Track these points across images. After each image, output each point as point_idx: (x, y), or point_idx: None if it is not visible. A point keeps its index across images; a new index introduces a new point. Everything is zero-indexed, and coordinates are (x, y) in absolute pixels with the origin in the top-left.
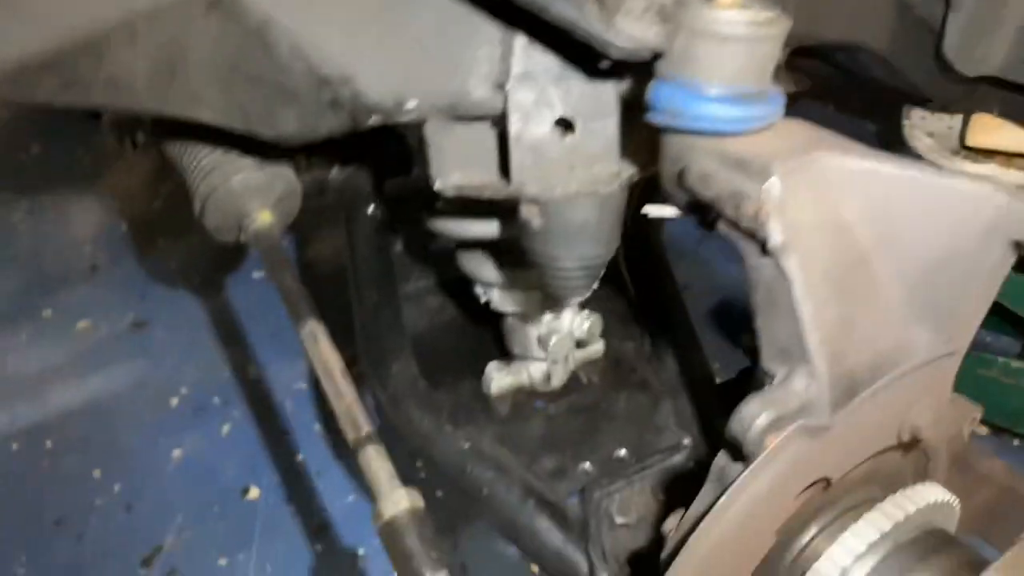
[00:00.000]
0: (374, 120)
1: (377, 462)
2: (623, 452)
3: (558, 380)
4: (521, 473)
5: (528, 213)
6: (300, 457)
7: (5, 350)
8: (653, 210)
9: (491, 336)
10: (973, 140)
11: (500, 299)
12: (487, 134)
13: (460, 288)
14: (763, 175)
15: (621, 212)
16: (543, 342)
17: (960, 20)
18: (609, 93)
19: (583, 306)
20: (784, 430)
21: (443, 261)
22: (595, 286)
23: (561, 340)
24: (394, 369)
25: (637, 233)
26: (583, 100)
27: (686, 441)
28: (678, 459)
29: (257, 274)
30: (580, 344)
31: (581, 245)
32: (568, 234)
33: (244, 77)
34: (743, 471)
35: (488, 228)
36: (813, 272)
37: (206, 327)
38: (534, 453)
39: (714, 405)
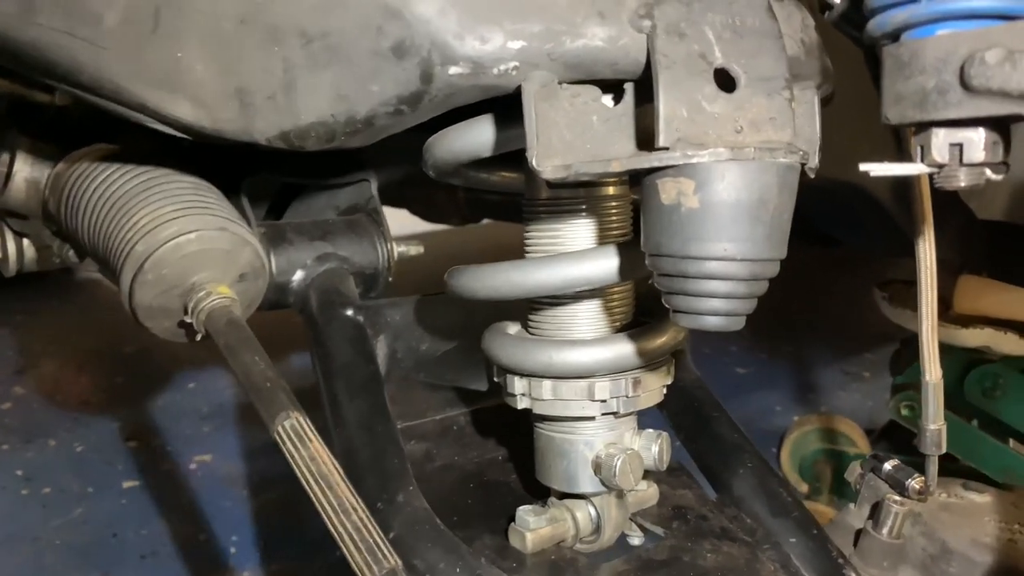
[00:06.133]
0: (454, 74)
1: None
2: None
3: (613, 526)
4: None
5: (677, 192)
6: None
7: None
8: (876, 168)
9: (496, 491)
10: (960, 307)
11: (552, 391)
12: (603, 99)
13: (444, 430)
14: None
15: (792, 207)
16: (601, 467)
17: None
18: (777, 40)
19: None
20: None
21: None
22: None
23: (629, 461)
24: (400, 499)
25: None
26: (748, 48)
27: None
28: None
29: (129, 483)
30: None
31: (753, 233)
32: (737, 214)
33: (262, 30)
34: None
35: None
36: None
37: (53, 547)
38: None
39: (831, 547)
